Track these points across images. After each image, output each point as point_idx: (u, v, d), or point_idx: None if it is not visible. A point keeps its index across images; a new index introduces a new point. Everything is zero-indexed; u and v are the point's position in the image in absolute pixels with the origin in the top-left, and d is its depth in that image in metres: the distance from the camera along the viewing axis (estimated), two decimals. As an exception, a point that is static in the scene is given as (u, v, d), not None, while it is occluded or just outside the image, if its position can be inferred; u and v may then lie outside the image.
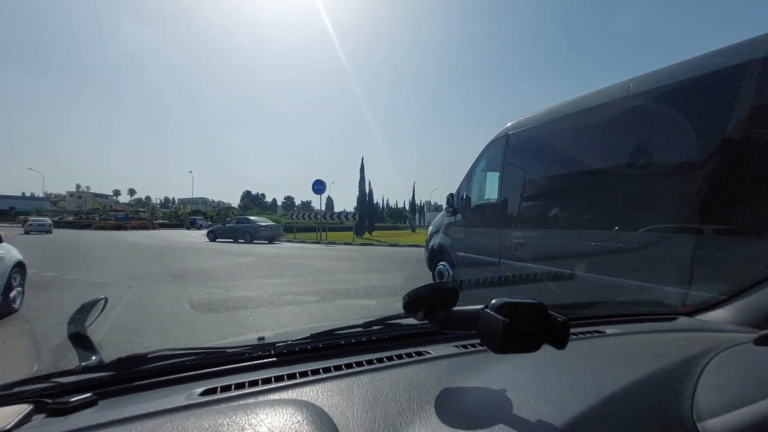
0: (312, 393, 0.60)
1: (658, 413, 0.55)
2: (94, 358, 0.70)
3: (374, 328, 0.87)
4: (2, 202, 64.51)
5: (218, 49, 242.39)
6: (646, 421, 0.53)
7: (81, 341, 0.74)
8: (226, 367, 0.71)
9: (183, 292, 5.50)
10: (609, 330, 0.97)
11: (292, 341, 0.78)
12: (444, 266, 5.05)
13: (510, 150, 3.94)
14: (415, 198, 42.23)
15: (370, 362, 0.73)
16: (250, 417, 0.52)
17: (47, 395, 0.59)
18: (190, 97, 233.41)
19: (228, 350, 0.75)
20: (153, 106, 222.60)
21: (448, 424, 0.51)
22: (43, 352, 2.96)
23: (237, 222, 20.26)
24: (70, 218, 47.04)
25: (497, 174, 4.11)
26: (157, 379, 0.67)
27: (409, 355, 0.77)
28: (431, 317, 0.66)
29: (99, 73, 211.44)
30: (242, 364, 0.72)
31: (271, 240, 18.24)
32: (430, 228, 5.84)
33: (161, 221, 49.66)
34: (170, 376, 0.68)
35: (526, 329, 0.54)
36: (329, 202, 18.73)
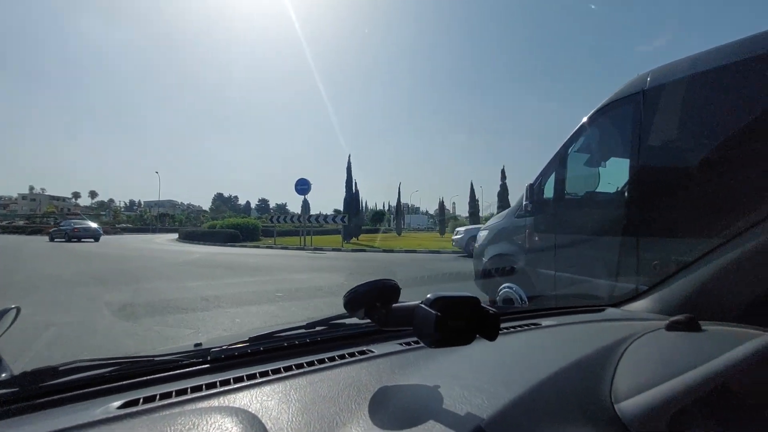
0: (245, 399, 0.59)
1: (580, 397, 0.60)
2: (3, 375, 0.66)
3: (318, 328, 0.86)
4: None
5: (188, 49, 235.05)
6: (569, 405, 0.58)
7: None
8: (152, 377, 0.67)
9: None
10: (545, 322, 1.03)
11: (228, 345, 0.75)
12: (512, 290, 3.61)
13: (650, 112, 2.64)
14: (396, 201, 40.55)
15: (310, 364, 0.72)
16: (172, 427, 0.50)
17: None
18: (158, 97, 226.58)
19: (156, 359, 0.71)
20: (119, 106, 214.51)
21: (381, 423, 0.52)
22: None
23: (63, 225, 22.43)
24: (21, 222, 44.10)
25: (624, 152, 2.85)
26: (71, 394, 0.62)
27: (351, 354, 0.77)
28: (371, 315, 0.67)
29: (61, 71, 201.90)
30: (171, 373, 0.68)
31: (96, 239, 19.98)
32: (483, 234, 4.39)
33: (125, 225, 47.62)
34: (86, 390, 0.63)
35: (458, 323, 0.57)
36: (305, 204, 17.34)
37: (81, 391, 0.62)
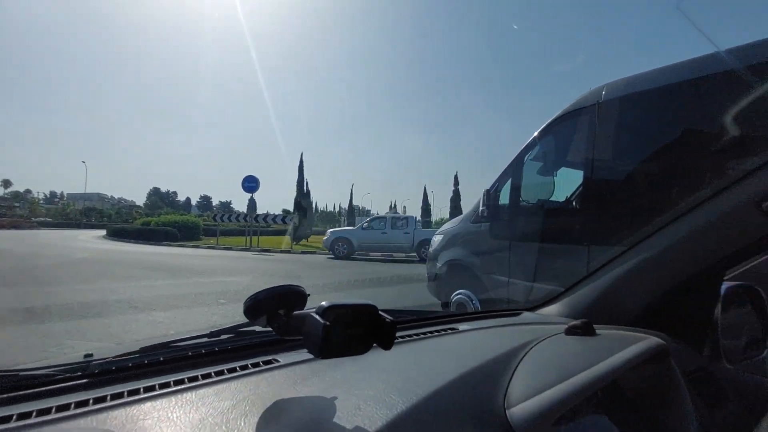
0: (121, 418, 0.54)
1: (475, 404, 0.61)
2: None
3: (223, 337, 0.81)
4: None
5: (127, 30, 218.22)
6: (463, 412, 0.59)
7: None
8: (30, 391, 0.60)
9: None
10: (462, 327, 1.03)
11: (115, 357, 0.69)
12: (466, 296, 3.60)
13: (604, 124, 2.76)
14: (348, 202, 40.19)
15: (206, 376, 0.67)
16: None
17: None
18: (87, 78, 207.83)
19: (31, 372, 0.63)
20: (41, 84, 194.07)
21: None
22: None
23: None
24: None
25: (575, 161, 3.00)
26: None
27: (255, 364, 0.72)
28: (272, 323, 0.64)
29: None
30: (52, 387, 0.61)
31: None
32: (438, 239, 4.39)
33: (43, 219, 43.21)
34: None
35: (353, 332, 0.57)
36: (251, 203, 16.51)
37: None
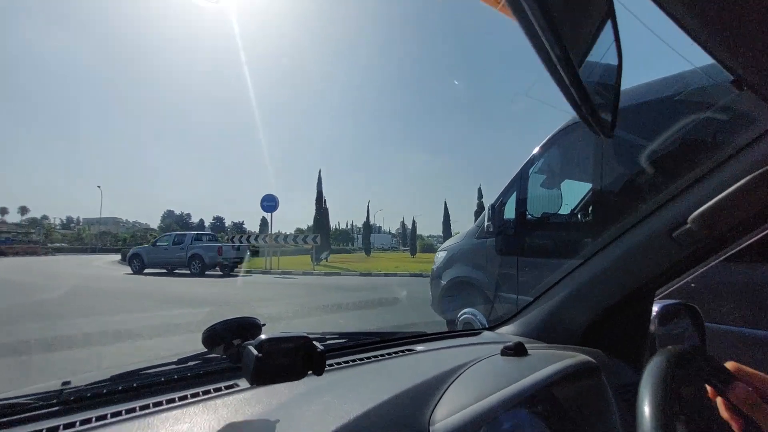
0: None
1: (403, 423, 0.66)
2: None
3: (190, 364, 0.86)
4: None
5: (134, 56, 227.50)
6: (390, 429, 0.64)
7: None
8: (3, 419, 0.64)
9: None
10: (418, 348, 1.07)
11: (86, 385, 0.74)
12: (472, 315, 3.59)
13: (596, 138, 2.76)
14: (365, 219, 39.97)
15: (170, 401, 0.71)
16: None
17: None
18: (101, 105, 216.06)
19: (4, 401, 0.66)
20: (55, 115, 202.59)
21: None
22: None
23: None
24: None
25: (579, 173, 3.04)
26: None
27: (218, 389, 0.77)
28: (227, 351, 0.71)
29: None
30: (11, 418, 0.65)
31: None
32: (441, 256, 4.37)
33: (59, 245, 44.38)
34: None
35: (284, 361, 0.63)
36: (263, 223, 16.48)
37: None
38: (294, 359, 0.65)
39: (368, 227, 38.83)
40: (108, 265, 18.12)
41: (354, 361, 0.96)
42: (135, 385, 0.77)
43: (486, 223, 3.54)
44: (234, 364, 0.70)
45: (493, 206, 3.51)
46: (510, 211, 3.46)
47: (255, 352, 0.59)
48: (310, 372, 0.67)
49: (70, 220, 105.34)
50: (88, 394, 0.73)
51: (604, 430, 0.84)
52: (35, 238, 53.74)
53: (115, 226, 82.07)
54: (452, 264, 4.09)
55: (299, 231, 23.36)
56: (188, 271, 13.58)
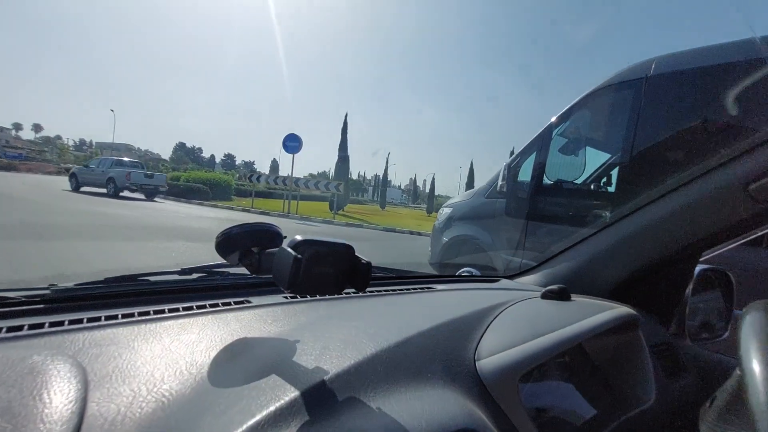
0: (77, 342, 0.54)
1: (445, 353, 0.64)
2: None
3: (194, 275, 0.82)
4: None
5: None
6: (432, 359, 0.61)
7: None
8: None
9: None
10: (438, 287, 1.06)
11: (76, 285, 0.69)
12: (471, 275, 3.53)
13: (653, 99, 2.62)
14: (383, 172, 38.98)
15: (174, 310, 0.67)
16: None
17: None
18: (118, 28, 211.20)
19: None
20: (71, 30, 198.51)
21: (224, 375, 0.50)
22: None
23: None
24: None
25: (612, 138, 2.89)
26: None
27: (226, 303, 0.72)
28: (244, 260, 0.62)
29: None
30: (7, 309, 0.61)
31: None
32: (445, 212, 4.20)
33: (70, 166, 45.07)
34: None
35: (324, 270, 0.55)
36: (274, 164, 15.97)
37: None
38: (336, 269, 0.56)
39: (386, 180, 37.95)
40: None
41: (378, 290, 0.92)
42: (128, 290, 0.72)
43: (499, 183, 3.39)
44: (253, 273, 0.62)
45: (508, 165, 3.38)
46: (526, 173, 3.34)
47: (293, 253, 0.50)
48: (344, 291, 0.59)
49: (83, 142, 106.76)
50: (80, 294, 0.68)
51: (636, 387, 0.83)
52: (48, 156, 54.60)
53: (128, 152, 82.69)
54: (456, 221, 3.98)
55: (311, 176, 22.90)
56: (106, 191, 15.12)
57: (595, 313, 0.83)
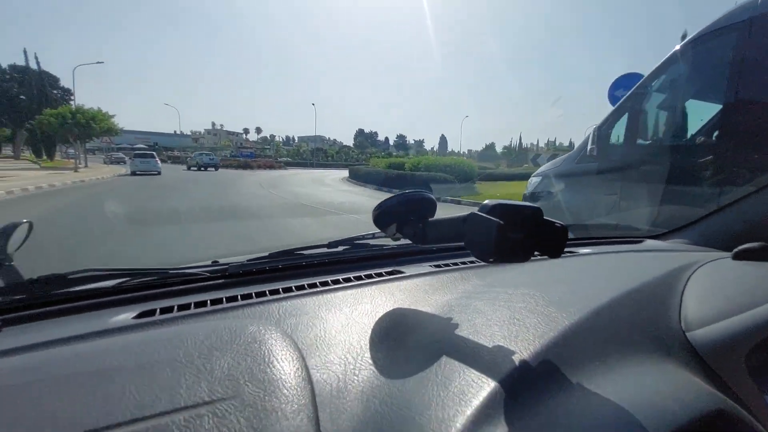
0: (271, 312, 0.60)
1: (647, 324, 0.60)
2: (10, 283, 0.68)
3: (340, 248, 0.87)
4: (147, 138, 78.93)
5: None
6: (636, 330, 0.57)
7: (3, 272, 0.69)
8: (168, 289, 0.70)
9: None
10: (581, 251, 1.03)
11: (248, 261, 0.79)
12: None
13: (759, 43, 2.44)
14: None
15: (335, 282, 0.73)
16: (195, 334, 0.50)
17: None
18: (314, 41, 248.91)
19: (171, 271, 0.73)
20: (271, 51, 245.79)
21: (424, 344, 0.51)
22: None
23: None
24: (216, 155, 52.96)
25: (716, 91, 2.73)
26: (82, 303, 0.65)
27: (379, 274, 0.77)
28: (404, 231, 0.64)
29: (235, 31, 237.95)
30: (187, 286, 0.71)
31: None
32: (534, 181, 4.06)
33: (285, 159, 53.43)
34: (99, 300, 0.66)
35: (518, 235, 0.53)
36: (442, 140, 15.26)
37: (94, 301, 0.65)
38: (525, 234, 0.53)
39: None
40: (342, 183, 18.22)
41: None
42: (282, 265, 0.79)
43: (589, 147, 3.34)
44: (417, 243, 0.63)
45: (599, 128, 3.40)
46: (618, 134, 3.38)
47: (495, 219, 0.48)
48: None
49: (288, 138, 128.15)
50: (253, 269, 0.76)
51: None
52: (268, 153, 68.21)
53: (321, 142, 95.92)
54: (546, 189, 3.87)
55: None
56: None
57: None
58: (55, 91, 36.60)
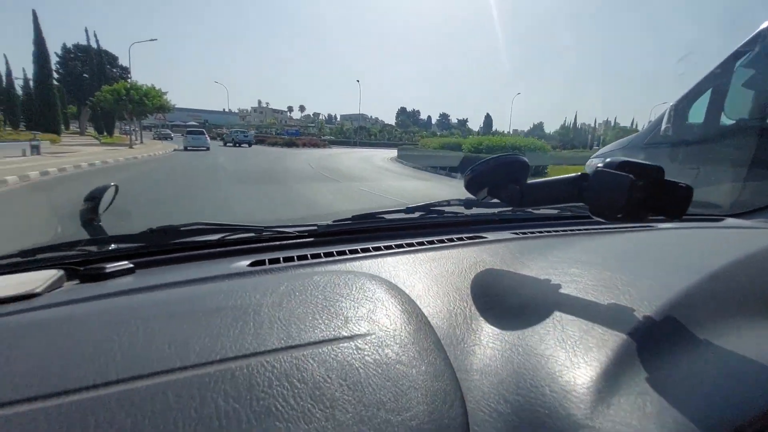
0: (370, 266, 0.62)
1: (766, 290, 0.57)
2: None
3: (417, 214, 0.90)
4: (197, 115, 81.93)
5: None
6: (756, 296, 0.55)
7: (95, 231, 0.74)
8: (268, 243, 0.74)
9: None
10: (659, 225, 1.00)
11: (334, 222, 0.81)
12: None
13: None
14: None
15: (421, 244, 0.74)
16: (313, 282, 0.52)
17: (77, 263, 0.62)
18: (347, 21, 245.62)
19: (266, 228, 0.77)
20: (316, 29, 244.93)
21: (529, 301, 0.51)
22: (61, 224, 3.45)
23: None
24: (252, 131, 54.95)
25: None
26: (197, 252, 0.69)
27: (460, 239, 0.77)
28: (498, 194, 0.62)
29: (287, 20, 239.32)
30: (284, 242, 0.74)
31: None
32: (595, 163, 3.47)
33: (328, 137, 53.83)
34: (211, 250, 0.70)
35: (642, 194, 0.51)
36: (487, 120, 15.07)
37: (206, 251, 0.69)
38: (645, 194, 0.51)
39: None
40: (386, 162, 17.31)
41: (599, 229, 0.89)
42: (364, 227, 0.81)
43: (664, 126, 3.26)
44: (514, 206, 0.63)
45: (675, 107, 3.26)
46: (698, 114, 3.21)
47: (629, 175, 0.47)
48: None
49: (330, 116, 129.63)
50: (339, 229, 0.79)
51: None
52: (312, 131, 69.07)
53: (364, 121, 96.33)
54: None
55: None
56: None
57: None
58: (114, 70, 38.60)
